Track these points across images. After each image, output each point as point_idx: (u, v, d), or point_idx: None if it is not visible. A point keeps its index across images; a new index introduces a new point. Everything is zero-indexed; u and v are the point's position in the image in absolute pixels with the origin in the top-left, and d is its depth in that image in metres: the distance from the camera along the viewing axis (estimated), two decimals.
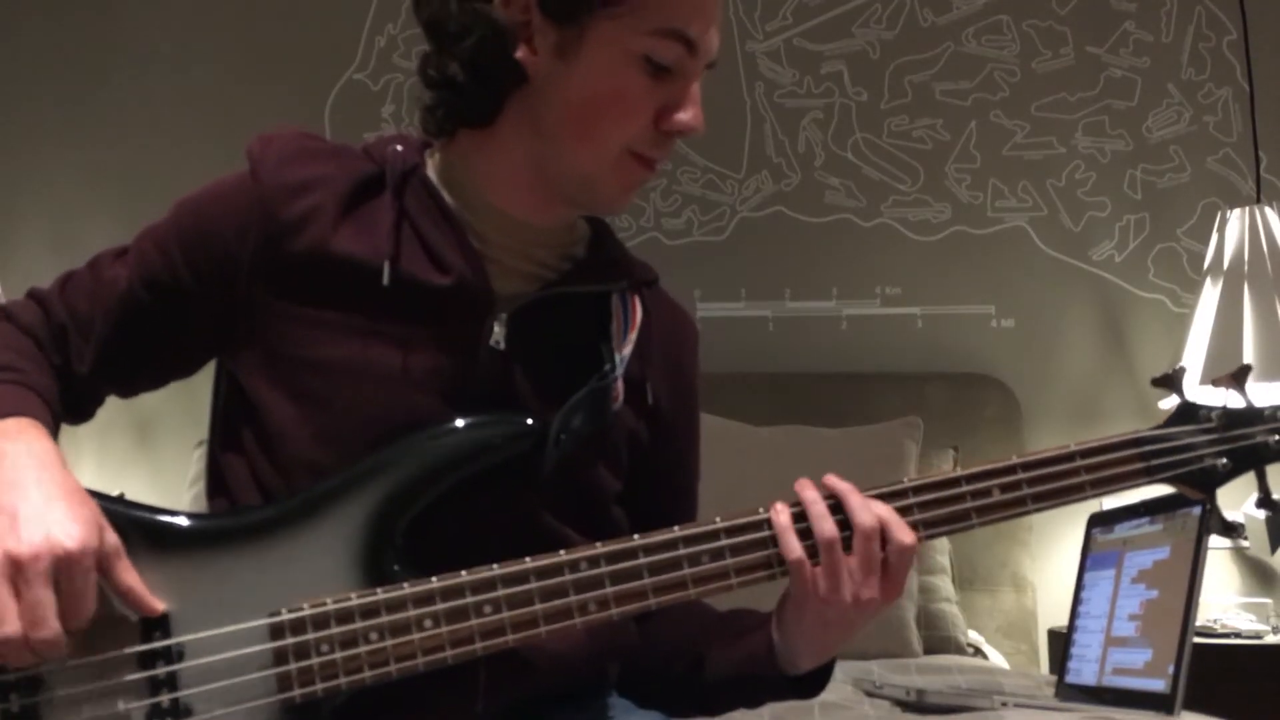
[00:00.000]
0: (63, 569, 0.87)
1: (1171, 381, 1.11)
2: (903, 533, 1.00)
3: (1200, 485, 1.08)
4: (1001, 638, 2.61)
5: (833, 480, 1.03)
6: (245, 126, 1.11)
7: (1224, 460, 1.08)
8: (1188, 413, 1.10)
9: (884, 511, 1.01)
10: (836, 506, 1.01)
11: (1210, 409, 1.09)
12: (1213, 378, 1.17)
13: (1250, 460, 1.09)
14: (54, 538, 0.87)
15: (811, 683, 1.09)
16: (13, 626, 0.86)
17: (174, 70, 2.91)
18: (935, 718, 1.48)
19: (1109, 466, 1.06)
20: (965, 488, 1.04)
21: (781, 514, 1.01)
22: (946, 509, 1.04)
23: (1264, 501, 1.11)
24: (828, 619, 1.02)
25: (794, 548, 1.00)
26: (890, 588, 1.01)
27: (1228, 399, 1.11)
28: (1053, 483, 1.05)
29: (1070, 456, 1.06)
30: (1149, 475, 1.07)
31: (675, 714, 1.17)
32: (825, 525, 1.00)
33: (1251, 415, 1.10)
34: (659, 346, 1.17)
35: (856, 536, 1.00)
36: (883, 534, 1.00)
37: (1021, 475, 1.05)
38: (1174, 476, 1.08)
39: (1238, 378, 1.12)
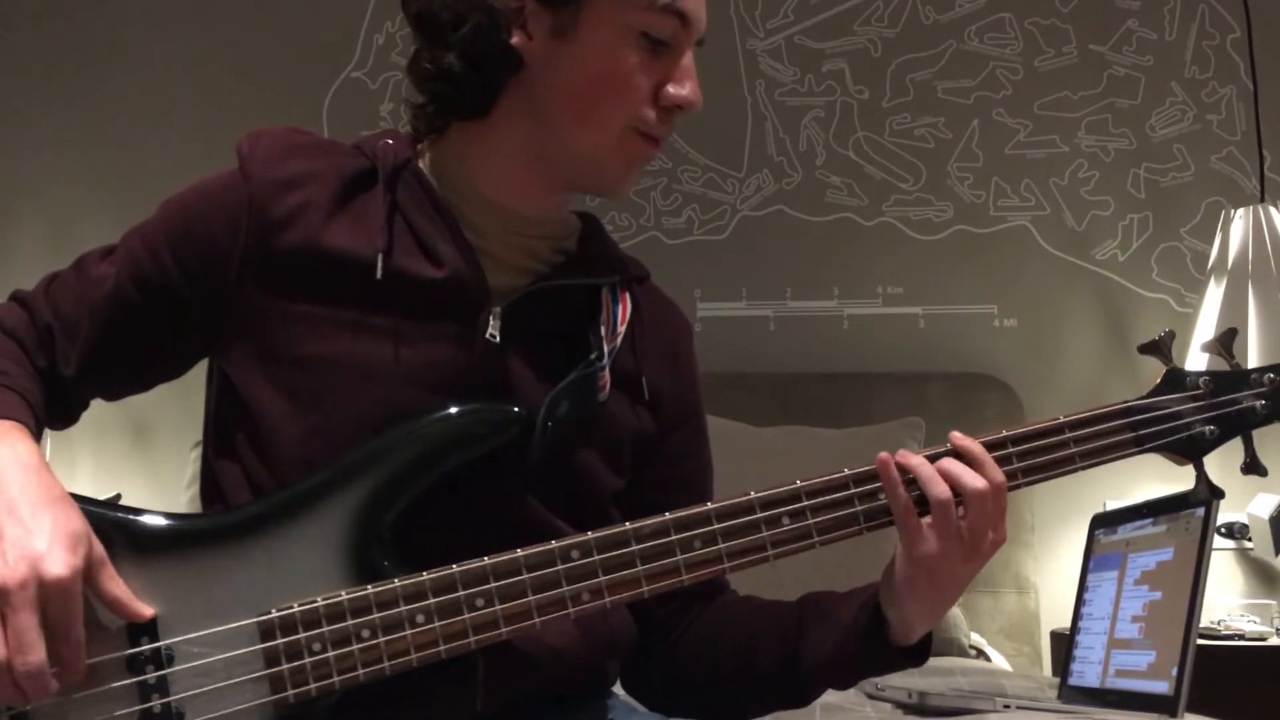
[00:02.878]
0: (50, 595, 0.86)
1: (1158, 348, 1.11)
2: (995, 473, 1.01)
3: (1188, 453, 1.09)
4: (1004, 639, 2.60)
5: (959, 438, 1.04)
6: (243, 125, 1.10)
7: (1212, 427, 1.09)
8: (1174, 379, 1.10)
9: (979, 456, 1.02)
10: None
11: (1197, 375, 1.10)
12: (1202, 344, 1.17)
13: (1237, 426, 1.09)
14: (41, 565, 0.86)
15: (923, 649, 1.09)
16: None
17: (171, 69, 2.90)
18: None
19: (1098, 438, 1.07)
20: None
21: (891, 462, 1.02)
22: None
23: (1250, 466, 1.10)
24: (939, 575, 1.02)
25: (904, 497, 1.01)
26: (998, 534, 1.02)
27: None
28: (1042, 455, 1.06)
29: (1059, 429, 1.07)
30: (1138, 445, 1.08)
31: (760, 714, 1.16)
32: (938, 487, 1.00)
33: (1238, 380, 1.10)
34: (652, 339, 1.16)
35: (969, 500, 1.00)
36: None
37: (1011, 449, 1.05)
38: (1162, 445, 1.08)
39: (1224, 342, 1.12)
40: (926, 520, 1.01)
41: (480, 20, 1.02)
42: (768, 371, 2.78)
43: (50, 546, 0.87)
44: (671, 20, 1.03)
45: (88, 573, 0.89)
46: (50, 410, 1.07)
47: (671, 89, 1.05)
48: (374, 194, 1.06)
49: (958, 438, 1.03)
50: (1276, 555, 2.56)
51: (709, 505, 1.01)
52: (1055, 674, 2.15)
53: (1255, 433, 1.11)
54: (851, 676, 1.13)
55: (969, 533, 1.00)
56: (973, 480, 1.01)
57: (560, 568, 0.97)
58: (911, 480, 1.02)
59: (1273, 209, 2.52)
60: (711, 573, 1.01)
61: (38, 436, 1.01)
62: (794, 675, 1.12)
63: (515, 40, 1.03)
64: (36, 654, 0.85)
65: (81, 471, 2.74)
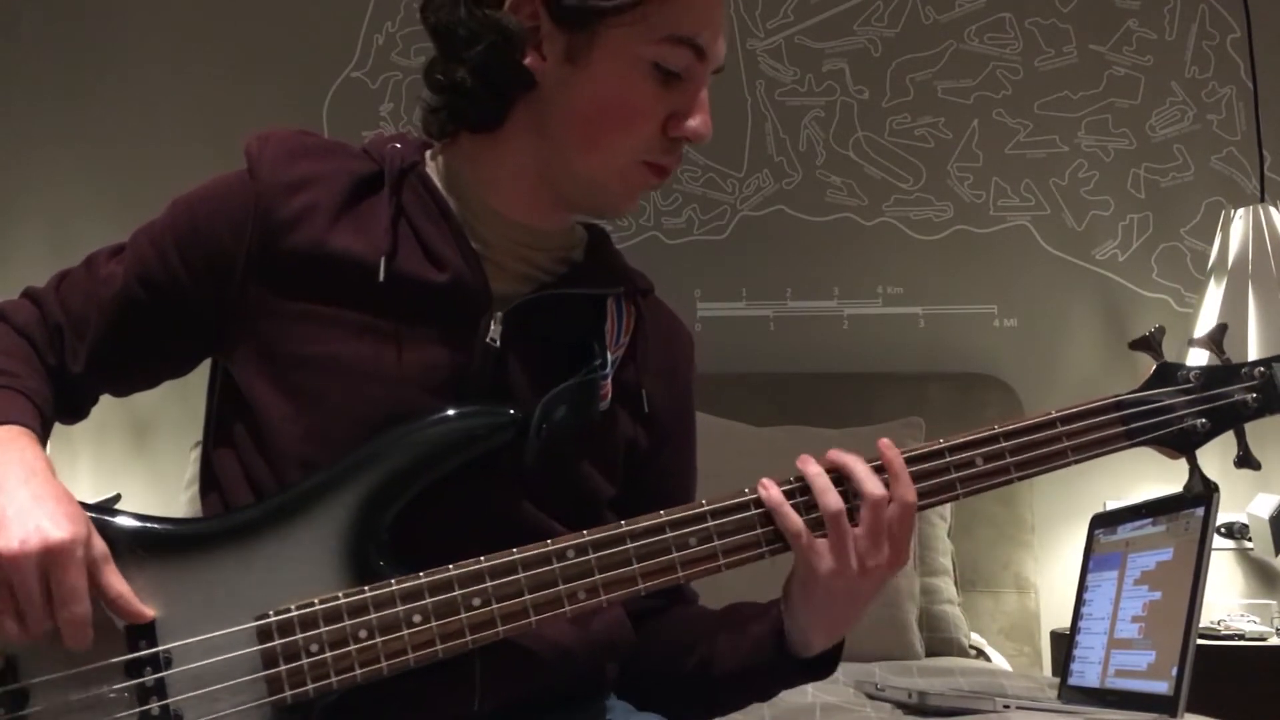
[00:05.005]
0: (53, 561, 0.88)
1: (1149, 344, 1.11)
2: (905, 490, 1.01)
3: (1180, 446, 1.09)
4: (1004, 640, 2.60)
5: (836, 454, 1.03)
6: (243, 125, 1.10)
7: (1203, 420, 1.09)
8: (1165, 373, 1.10)
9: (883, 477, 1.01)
10: (837, 479, 1.02)
11: (1188, 369, 1.11)
12: (1192, 340, 1.18)
13: (1229, 419, 1.10)
14: (43, 529, 0.88)
15: (823, 664, 1.09)
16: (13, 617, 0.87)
17: (171, 69, 2.90)
18: None
19: (1090, 431, 1.08)
20: (949, 459, 1.05)
21: (770, 489, 1.02)
22: (931, 480, 1.04)
23: (1243, 460, 1.11)
24: (835, 592, 1.02)
25: (794, 520, 1.00)
26: (896, 554, 1.01)
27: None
28: (1035, 450, 1.06)
29: (1051, 423, 1.07)
30: (1129, 439, 1.08)
31: (682, 716, 1.16)
32: (830, 498, 1.00)
33: (1228, 373, 1.11)
34: (654, 353, 1.17)
35: (865, 505, 1.00)
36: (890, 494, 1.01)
37: (1004, 444, 1.06)
38: (1154, 438, 1.09)
39: (1214, 337, 1.13)
40: (823, 540, 1.00)
41: (494, 40, 1.02)
42: (768, 371, 2.77)
43: (54, 517, 0.89)
44: (685, 52, 1.02)
45: (91, 570, 0.90)
46: (59, 407, 1.08)
47: (683, 122, 1.04)
48: (380, 197, 1.06)
49: (885, 446, 1.03)
50: (1276, 555, 2.55)
51: (704, 503, 1.02)
52: (1055, 674, 2.15)
53: (1257, 434, 1.11)
54: (759, 687, 1.14)
55: (863, 544, 1.00)
56: (873, 487, 1.00)
57: (556, 566, 0.98)
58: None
59: (1273, 209, 2.51)
60: (706, 570, 1.01)
61: (46, 436, 1.02)
62: (706, 682, 1.13)
63: (529, 60, 1.03)
64: (47, 621, 0.88)
65: (81, 471, 2.74)
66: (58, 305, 1.09)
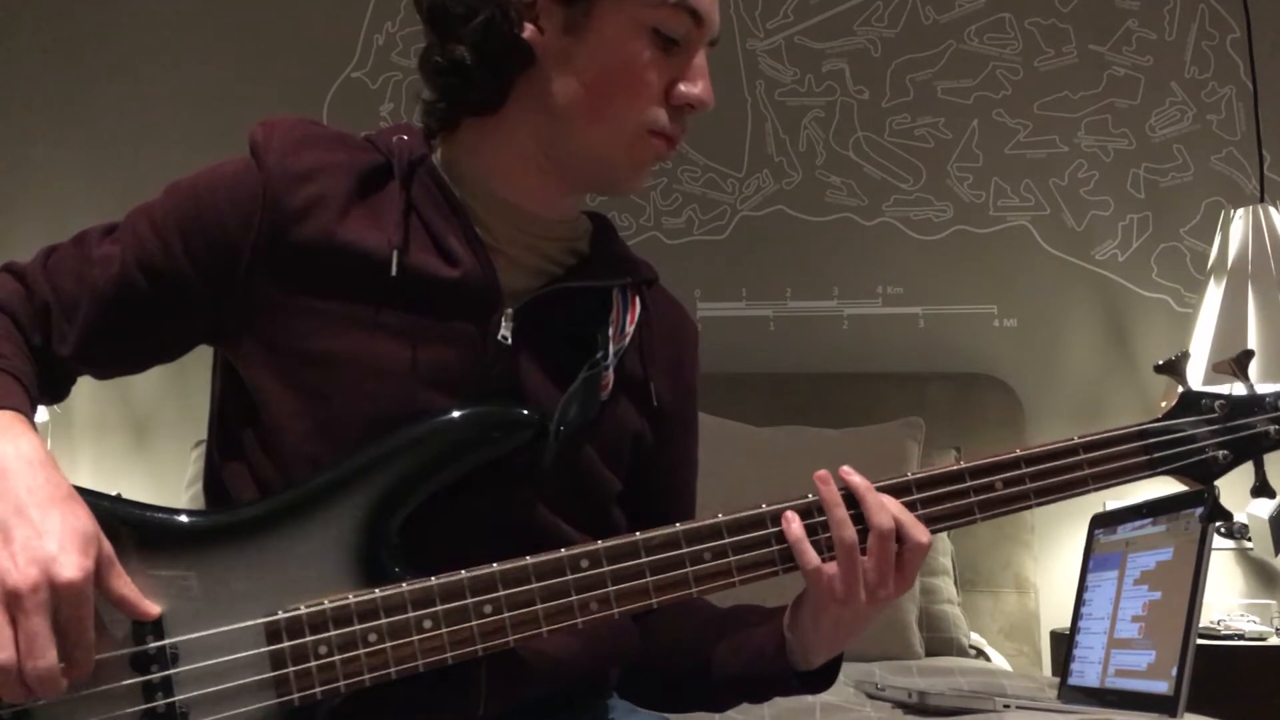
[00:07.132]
0: (63, 598, 0.85)
1: (1174, 368, 1.11)
2: (918, 532, 1.00)
3: (1201, 477, 1.09)
4: (1004, 639, 2.60)
5: (849, 475, 1.02)
6: (243, 125, 1.09)
7: (1225, 452, 1.09)
8: (1190, 402, 1.10)
9: (898, 510, 1.00)
10: (849, 499, 1.01)
11: (1213, 398, 1.10)
12: (1215, 364, 1.17)
13: (1250, 450, 1.09)
14: (53, 568, 0.85)
15: (822, 677, 1.09)
16: (7, 654, 0.83)
17: (171, 68, 2.90)
18: None
19: (1112, 460, 1.07)
20: (969, 482, 1.04)
21: (794, 524, 1.00)
22: (950, 504, 1.04)
23: (1259, 490, 1.11)
24: (843, 618, 1.02)
25: (812, 558, 0.99)
26: (903, 582, 1.01)
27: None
28: (1055, 476, 1.05)
29: (1074, 450, 1.06)
30: (1151, 468, 1.08)
31: (677, 711, 1.17)
32: (846, 532, 0.99)
33: (1253, 403, 1.10)
34: (660, 345, 1.16)
35: (873, 537, 0.99)
36: (898, 533, 0.99)
37: (1025, 469, 1.05)
38: (1175, 469, 1.08)
39: (1240, 363, 1.12)
40: (835, 572, 0.99)
41: (492, 14, 1.02)
42: (768, 371, 2.78)
43: (61, 549, 0.86)
44: (684, 18, 1.02)
45: (97, 572, 0.88)
46: (42, 388, 1.04)
47: (683, 87, 1.04)
48: (389, 190, 1.05)
49: (888, 503, 1.01)
50: (1276, 555, 2.56)
51: (720, 517, 1.01)
52: (1055, 674, 2.16)
53: None
54: (756, 694, 1.14)
55: (872, 576, 0.99)
56: (882, 520, 0.99)
57: (569, 577, 0.97)
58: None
59: (1272, 209, 2.52)
60: (721, 585, 1.00)
61: (32, 418, 0.98)
62: (703, 684, 1.13)
63: (527, 34, 1.03)
64: (48, 658, 0.84)
65: (82, 471, 2.73)
66: (46, 283, 1.05)
